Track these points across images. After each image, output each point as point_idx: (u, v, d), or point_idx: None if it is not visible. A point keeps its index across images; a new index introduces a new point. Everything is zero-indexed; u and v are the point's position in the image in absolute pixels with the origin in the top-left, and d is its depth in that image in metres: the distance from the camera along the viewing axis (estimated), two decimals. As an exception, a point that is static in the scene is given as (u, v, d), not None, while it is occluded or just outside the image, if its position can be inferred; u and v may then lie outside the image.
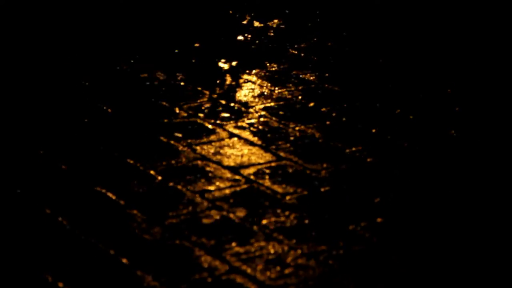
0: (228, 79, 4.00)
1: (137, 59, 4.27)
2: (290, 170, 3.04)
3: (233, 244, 2.53)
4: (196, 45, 4.50)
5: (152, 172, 3.01)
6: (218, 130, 3.40)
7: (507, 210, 2.73)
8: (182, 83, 3.94)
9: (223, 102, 3.71)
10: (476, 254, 2.47)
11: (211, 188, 2.90)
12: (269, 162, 3.11)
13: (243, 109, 3.63)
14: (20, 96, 3.73)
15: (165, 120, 3.50)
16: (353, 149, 3.23)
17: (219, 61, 4.27)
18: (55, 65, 4.14)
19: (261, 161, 3.12)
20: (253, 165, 3.08)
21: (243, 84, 3.94)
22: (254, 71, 4.12)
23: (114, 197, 2.82)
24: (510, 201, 2.79)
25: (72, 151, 3.18)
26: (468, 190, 2.88)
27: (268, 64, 4.22)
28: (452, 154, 3.18)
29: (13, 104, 3.63)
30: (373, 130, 3.41)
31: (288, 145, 3.26)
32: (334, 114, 3.58)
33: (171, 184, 2.93)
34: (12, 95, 3.73)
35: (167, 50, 4.44)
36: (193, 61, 4.26)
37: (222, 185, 2.92)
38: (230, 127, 3.43)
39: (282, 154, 3.18)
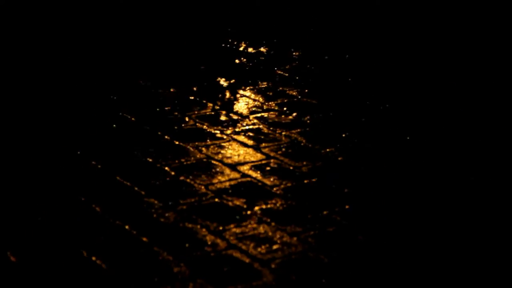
0: (228, 94, 4.00)
1: (155, 77, 4.26)
2: (277, 167, 3.04)
3: (231, 225, 2.53)
4: (202, 67, 4.50)
5: (166, 168, 3.01)
6: (220, 134, 3.40)
7: (454, 195, 2.74)
8: (191, 97, 3.94)
9: (224, 112, 3.71)
10: (423, 230, 2.48)
11: (214, 181, 2.90)
12: (261, 160, 3.11)
13: (239, 118, 3.63)
14: (60, 109, 3.72)
15: (177, 127, 3.50)
16: (327, 150, 3.24)
17: (220, 79, 4.27)
18: (88, 84, 4.13)
19: (254, 159, 3.12)
20: (247, 162, 3.08)
21: (239, 98, 3.94)
22: (248, 88, 4.12)
23: (136, 188, 2.82)
24: (456, 188, 2.80)
25: (102, 151, 3.17)
26: (421, 182, 2.89)
27: (259, 82, 4.22)
28: (407, 154, 3.19)
29: (55, 115, 3.63)
30: (343, 135, 3.41)
31: (275, 146, 3.26)
32: (312, 122, 3.58)
33: (182, 178, 2.92)
34: (54, 109, 3.73)
35: (179, 70, 4.43)
36: (200, 79, 4.26)
37: (222, 179, 2.92)
38: (229, 132, 3.43)
39: (271, 153, 3.18)
